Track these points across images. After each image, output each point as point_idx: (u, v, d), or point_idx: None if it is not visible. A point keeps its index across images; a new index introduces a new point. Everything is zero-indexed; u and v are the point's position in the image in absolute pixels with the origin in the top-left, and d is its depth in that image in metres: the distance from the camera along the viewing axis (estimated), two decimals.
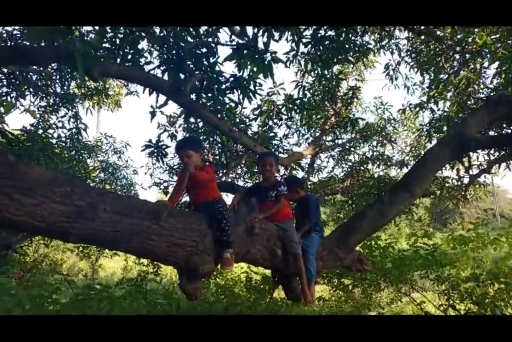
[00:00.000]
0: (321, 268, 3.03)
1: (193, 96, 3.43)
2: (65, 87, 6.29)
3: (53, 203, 1.78)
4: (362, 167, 7.39)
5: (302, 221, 2.83)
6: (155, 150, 4.98)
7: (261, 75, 4.01)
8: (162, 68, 3.33)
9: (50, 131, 6.21)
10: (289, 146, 6.65)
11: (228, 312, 5.03)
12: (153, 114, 4.45)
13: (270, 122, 5.58)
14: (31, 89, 5.80)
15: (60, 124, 6.32)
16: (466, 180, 6.94)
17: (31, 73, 5.64)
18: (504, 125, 4.49)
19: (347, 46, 5.23)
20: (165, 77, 3.41)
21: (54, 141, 6.07)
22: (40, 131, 5.72)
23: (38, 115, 6.16)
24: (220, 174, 5.31)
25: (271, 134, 5.68)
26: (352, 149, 7.65)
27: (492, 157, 6.40)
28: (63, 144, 6.66)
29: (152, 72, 3.44)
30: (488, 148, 5.15)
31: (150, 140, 4.94)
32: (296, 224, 2.79)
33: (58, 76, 5.85)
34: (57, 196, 1.81)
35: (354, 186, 6.97)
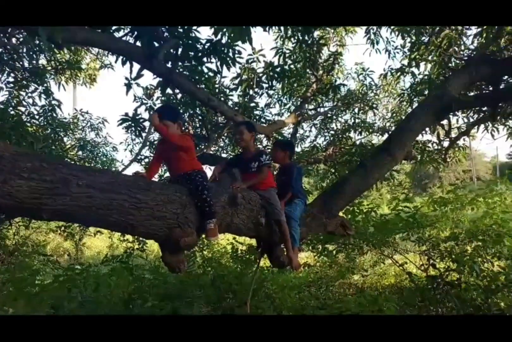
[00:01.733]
0: (305, 234, 3.06)
1: (168, 65, 3.26)
2: (34, 62, 5.92)
3: (21, 179, 1.69)
4: (344, 135, 7.37)
5: (285, 189, 2.80)
6: (133, 124, 4.81)
7: (240, 42, 3.85)
8: (134, 34, 3.13)
9: (22, 109, 5.93)
10: (271, 117, 6.55)
11: (215, 283, 5.11)
12: (128, 86, 4.24)
13: (251, 92, 5.43)
14: None
15: (30, 101, 6.02)
16: (446, 144, 7.04)
17: None
18: (485, 85, 4.47)
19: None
20: (138, 44, 3.22)
21: (26, 119, 5.80)
22: (10, 109, 5.45)
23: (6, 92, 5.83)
24: (202, 147, 5.20)
25: (252, 104, 5.54)
26: (334, 117, 7.58)
27: (471, 120, 6.47)
28: (37, 122, 6.38)
29: (124, 39, 3.24)
30: (470, 109, 5.17)
31: (126, 114, 4.75)
32: (278, 191, 2.76)
33: (25, 49, 5.48)
34: (24, 172, 1.72)
35: (337, 154, 6.97)
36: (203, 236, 2.37)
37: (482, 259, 3.79)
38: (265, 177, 2.66)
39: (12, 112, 5.57)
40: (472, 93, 4.77)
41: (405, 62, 6.26)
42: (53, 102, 6.24)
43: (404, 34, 5.89)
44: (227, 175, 2.69)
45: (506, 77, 4.31)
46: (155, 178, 2.92)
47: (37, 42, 5.50)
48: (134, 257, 6.55)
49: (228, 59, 3.34)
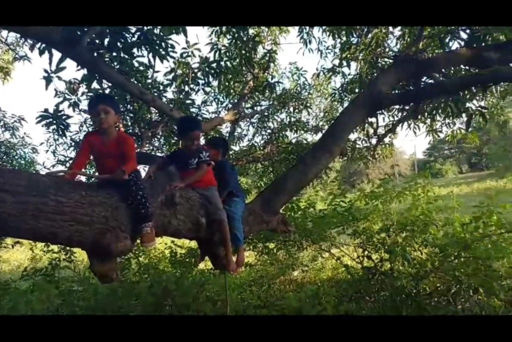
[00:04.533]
0: (248, 232, 2.98)
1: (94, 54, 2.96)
2: None
3: None
4: (281, 134, 7.48)
5: (221, 187, 2.69)
6: (54, 122, 4.34)
7: (173, 36, 3.64)
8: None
9: None
10: (208, 115, 6.39)
11: (153, 290, 4.84)
12: (48, 80, 3.80)
13: (186, 88, 5.22)
14: None
15: None
16: (373, 141, 7.48)
17: None
18: (408, 84, 4.78)
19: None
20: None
21: None
22: None
23: None
24: (136, 146, 4.88)
25: (188, 101, 5.34)
26: (271, 116, 7.66)
27: (396, 118, 6.95)
28: None
29: None
30: (398, 105, 5.51)
31: (46, 110, 4.27)
32: None
33: None
34: None
35: (274, 153, 7.05)
36: (138, 241, 2.17)
37: (412, 248, 4.04)
38: (204, 174, 2.53)
39: None
40: (397, 92, 5.10)
41: (336, 62, 6.51)
42: None
43: (335, 35, 6.12)
44: (163, 173, 2.51)
45: (425, 78, 4.68)
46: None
47: None
48: (61, 269, 5.96)
49: (161, 50, 3.11)
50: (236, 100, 6.59)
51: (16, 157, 8.30)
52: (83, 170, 2.26)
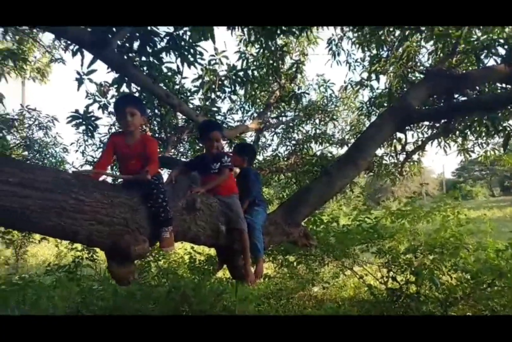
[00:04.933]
0: (268, 243, 2.89)
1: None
2: None
3: None
4: (305, 146, 7.40)
5: (243, 195, 2.63)
6: (83, 123, 4.43)
7: (202, 43, 3.65)
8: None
9: None
10: (233, 123, 6.40)
11: (171, 294, 4.79)
12: (80, 81, 3.91)
13: (213, 95, 5.25)
14: None
15: None
16: (401, 158, 7.25)
17: None
18: (439, 100, 4.62)
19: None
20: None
21: None
22: None
23: None
24: (160, 150, 4.92)
25: (214, 108, 5.36)
26: (296, 127, 7.60)
27: (425, 135, 6.73)
28: None
29: None
30: (428, 121, 5.33)
31: (76, 111, 4.38)
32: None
33: None
34: None
35: (298, 164, 6.96)
36: (157, 244, 2.13)
37: (440, 272, 3.82)
38: (225, 179, 2.47)
39: None
40: (428, 107, 4.93)
41: (365, 75, 6.40)
42: None
43: (365, 47, 6.04)
44: (185, 177, 2.47)
45: (458, 95, 4.51)
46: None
47: None
48: (83, 267, 6.03)
49: (189, 56, 3.13)
50: (261, 110, 6.58)
51: (48, 156, 8.55)
52: (108, 170, 2.26)
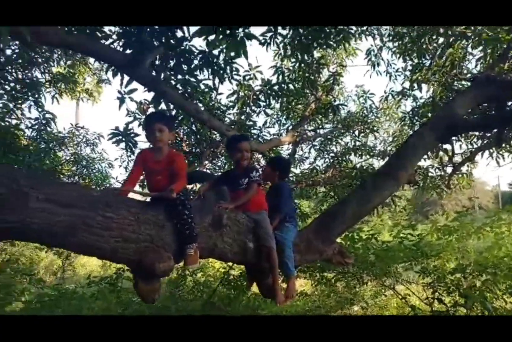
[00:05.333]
0: (299, 261, 2.76)
1: (155, 74, 3.10)
2: (28, 73, 5.83)
3: None
4: (344, 158, 7.19)
5: (274, 211, 2.55)
6: (123, 139, 4.62)
7: (238, 59, 3.71)
8: (121, 42, 2.99)
9: (15, 121, 5.79)
10: (269, 136, 6.38)
11: (206, 309, 4.76)
12: (121, 100, 4.12)
13: (248, 110, 5.28)
14: None
15: (21, 113, 5.89)
16: (449, 170, 6.83)
17: None
18: (489, 108, 4.31)
19: (327, 29, 4.97)
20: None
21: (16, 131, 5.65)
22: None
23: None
24: (196, 164, 4.99)
25: (250, 123, 5.38)
26: (334, 139, 7.43)
27: (474, 146, 6.30)
28: (29, 134, 6.26)
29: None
30: (477, 131, 4.99)
31: (117, 128, 4.58)
32: (268, 213, 2.51)
33: (19, 60, 5.38)
34: None
35: (337, 177, 6.76)
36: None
37: (493, 294, 3.46)
38: (253, 194, 2.40)
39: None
40: (476, 116, 4.61)
41: (407, 84, 6.17)
42: (47, 115, 6.14)
43: (406, 57, 5.83)
44: (214, 193, 2.45)
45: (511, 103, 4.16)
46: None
47: (32, 54, 5.45)
48: (124, 279, 6.19)
49: (221, 72, 3.16)
50: (296, 122, 6.52)
51: (94, 171, 9.04)
52: (137, 186, 2.29)
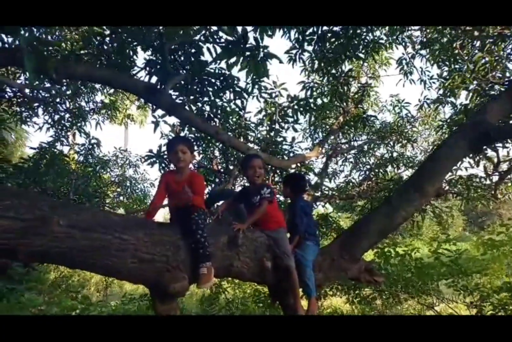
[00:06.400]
0: (322, 280, 2.71)
1: (179, 98, 3.26)
2: (73, 102, 6.33)
3: None
4: (380, 170, 6.98)
5: (291, 228, 2.53)
6: (156, 161, 4.85)
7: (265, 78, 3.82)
8: (146, 71, 3.20)
9: (66, 148, 6.28)
10: (300, 151, 6.37)
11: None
12: (156, 124, 4.38)
13: (277, 126, 5.34)
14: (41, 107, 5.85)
15: (70, 139, 6.39)
16: (495, 178, 6.38)
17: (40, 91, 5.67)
18: None
19: (355, 41, 4.96)
20: (153, 80, 3.27)
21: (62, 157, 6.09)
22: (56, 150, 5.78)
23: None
24: (222, 180, 5.11)
25: (280, 138, 5.42)
26: (370, 151, 7.26)
27: None
28: (81, 159, 6.75)
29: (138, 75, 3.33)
30: (510, 138, 4.66)
31: (150, 150, 4.82)
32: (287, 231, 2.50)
33: (68, 92, 5.88)
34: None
35: (373, 190, 6.57)
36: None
37: None
38: (263, 211, 2.37)
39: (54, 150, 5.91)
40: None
41: (442, 91, 5.94)
42: (93, 141, 6.62)
43: (440, 63, 5.64)
44: (231, 212, 2.50)
45: None
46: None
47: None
48: None
49: (241, 90, 3.26)
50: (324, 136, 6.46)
51: (137, 190, 9.52)
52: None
